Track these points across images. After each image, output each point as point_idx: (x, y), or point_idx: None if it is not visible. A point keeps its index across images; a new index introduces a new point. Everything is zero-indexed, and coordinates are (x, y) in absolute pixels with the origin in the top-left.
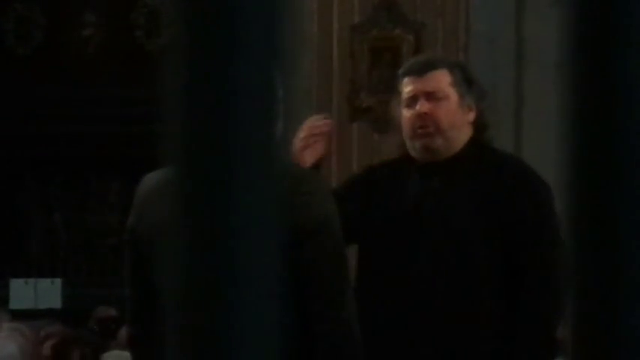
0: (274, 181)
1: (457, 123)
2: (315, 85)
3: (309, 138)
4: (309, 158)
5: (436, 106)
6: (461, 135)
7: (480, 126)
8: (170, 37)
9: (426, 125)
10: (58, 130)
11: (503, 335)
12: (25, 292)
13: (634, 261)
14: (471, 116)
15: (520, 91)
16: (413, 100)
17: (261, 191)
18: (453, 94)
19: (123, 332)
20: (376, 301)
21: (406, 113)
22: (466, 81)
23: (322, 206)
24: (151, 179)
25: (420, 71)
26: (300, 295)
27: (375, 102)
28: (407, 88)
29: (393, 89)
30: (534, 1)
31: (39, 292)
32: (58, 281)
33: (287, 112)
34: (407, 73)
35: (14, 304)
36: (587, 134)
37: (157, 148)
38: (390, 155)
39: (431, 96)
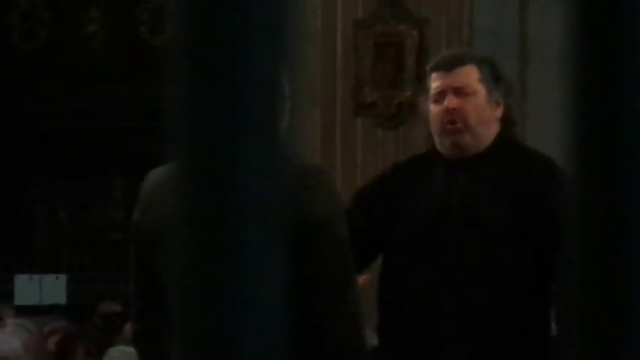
0: (280, 177)
1: (485, 119)
2: (319, 81)
3: None
4: None
5: (464, 101)
6: (489, 131)
7: (507, 122)
8: (174, 34)
9: (454, 121)
10: (62, 127)
11: (536, 331)
12: (29, 288)
13: (635, 255)
14: (499, 112)
15: (524, 85)
16: (441, 95)
17: (267, 187)
18: (481, 90)
19: (128, 328)
20: (404, 297)
21: (434, 109)
22: (494, 77)
23: (327, 201)
24: (155, 175)
25: (448, 66)
26: (306, 290)
27: (378, 97)
28: (435, 83)
29: (396, 85)
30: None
31: (43, 288)
32: (63, 277)
33: (293, 109)
34: (435, 68)
35: (19, 299)
36: (590, 128)
37: (162, 144)
38: (393, 150)
39: (459, 91)
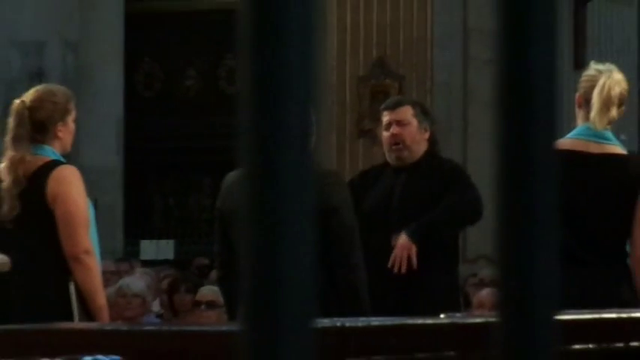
0: (310, 177)
1: (417, 140)
2: (334, 115)
3: None
4: None
5: (403, 129)
6: (420, 148)
7: (432, 142)
8: (240, 87)
9: (397, 142)
10: (172, 146)
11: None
12: (150, 249)
13: (544, 243)
14: (427, 135)
15: (466, 118)
16: (388, 125)
17: (302, 183)
18: (414, 122)
19: (213, 274)
20: (368, 255)
21: (385, 134)
22: (423, 112)
23: (340, 193)
24: (231, 176)
25: (393, 107)
26: (326, 251)
27: (373, 126)
28: (385, 118)
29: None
30: (475, 60)
31: (159, 249)
32: (172, 241)
33: (317, 132)
34: (385, 108)
35: (143, 256)
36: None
37: (233, 156)
38: (379, 161)
39: (399, 123)
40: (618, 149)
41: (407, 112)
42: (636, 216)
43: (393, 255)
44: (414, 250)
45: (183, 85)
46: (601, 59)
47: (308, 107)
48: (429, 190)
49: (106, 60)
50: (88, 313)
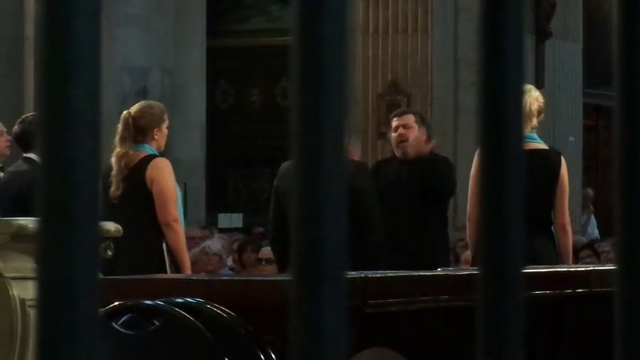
0: (343, 166)
1: (417, 140)
2: (360, 122)
3: None
4: None
5: (407, 132)
6: (418, 145)
7: (428, 142)
8: (291, 103)
9: (402, 141)
10: (242, 145)
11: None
12: (225, 220)
13: (514, 215)
14: (424, 137)
15: (456, 125)
16: (396, 128)
17: (338, 171)
18: (415, 126)
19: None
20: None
21: (393, 135)
22: (422, 120)
23: (366, 179)
24: (285, 165)
25: (400, 114)
26: (356, 219)
27: (389, 130)
28: (394, 123)
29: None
30: (464, 82)
31: (232, 220)
32: (241, 215)
33: (348, 134)
34: (395, 116)
35: (220, 225)
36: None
37: (287, 152)
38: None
39: (405, 127)
40: (541, 146)
41: (410, 119)
42: (556, 193)
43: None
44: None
45: (249, 100)
46: (555, 82)
47: (343, 116)
48: (426, 176)
49: (193, 82)
50: (175, 265)
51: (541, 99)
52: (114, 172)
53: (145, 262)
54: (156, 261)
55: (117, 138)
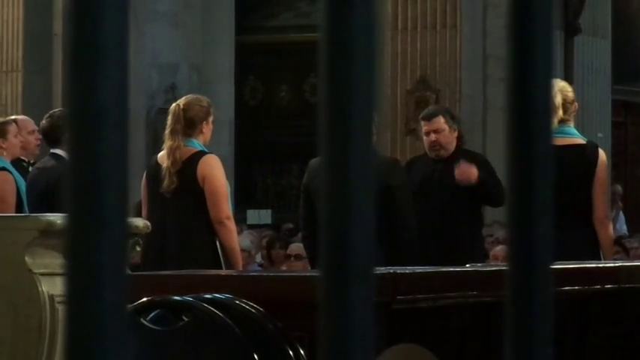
0: (371, 162)
1: (449, 140)
2: (389, 119)
3: None
4: None
5: (439, 135)
6: (451, 145)
7: (460, 139)
8: (320, 99)
9: (435, 145)
10: (270, 141)
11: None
12: (254, 216)
13: (543, 212)
14: (455, 134)
15: (485, 121)
16: (427, 134)
17: (366, 167)
18: (445, 127)
19: (298, 235)
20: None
21: (425, 139)
22: (452, 118)
23: (400, 175)
24: (314, 162)
25: (428, 118)
26: (390, 216)
27: (417, 126)
28: (424, 127)
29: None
30: (492, 77)
31: (261, 216)
32: (270, 211)
33: (377, 131)
34: (423, 119)
35: (249, 221)
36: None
37: (315, 149)
38: (421, 152)
39: (436, 131)
40: (577, 140)
41: (440, 122)
42: (593, 188)
43: (459, 168)
44: (474, 175)
45: (278, 97)
46: (584, 78)
47: (371, 112)
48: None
49: (221, 78)
50: (229, 263)
51: (568, 88)
52: (166, 165)
53: (197, 259)
54: (209, 259)
55: (167, 131)
